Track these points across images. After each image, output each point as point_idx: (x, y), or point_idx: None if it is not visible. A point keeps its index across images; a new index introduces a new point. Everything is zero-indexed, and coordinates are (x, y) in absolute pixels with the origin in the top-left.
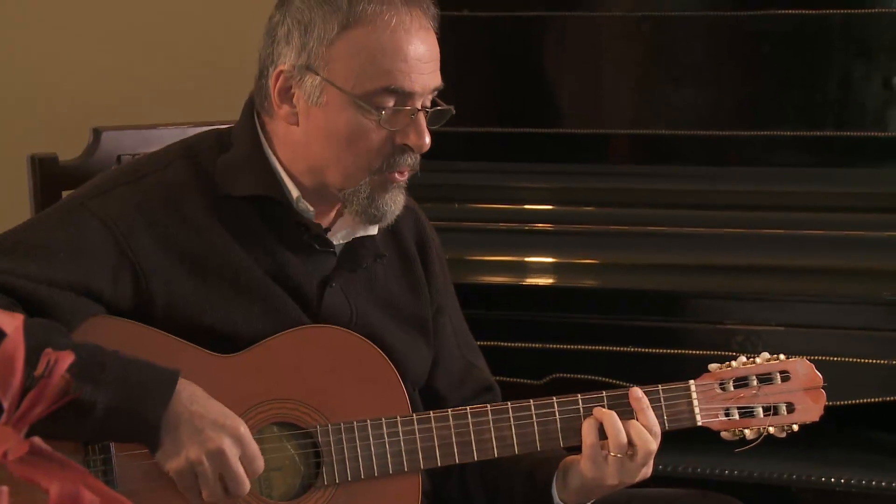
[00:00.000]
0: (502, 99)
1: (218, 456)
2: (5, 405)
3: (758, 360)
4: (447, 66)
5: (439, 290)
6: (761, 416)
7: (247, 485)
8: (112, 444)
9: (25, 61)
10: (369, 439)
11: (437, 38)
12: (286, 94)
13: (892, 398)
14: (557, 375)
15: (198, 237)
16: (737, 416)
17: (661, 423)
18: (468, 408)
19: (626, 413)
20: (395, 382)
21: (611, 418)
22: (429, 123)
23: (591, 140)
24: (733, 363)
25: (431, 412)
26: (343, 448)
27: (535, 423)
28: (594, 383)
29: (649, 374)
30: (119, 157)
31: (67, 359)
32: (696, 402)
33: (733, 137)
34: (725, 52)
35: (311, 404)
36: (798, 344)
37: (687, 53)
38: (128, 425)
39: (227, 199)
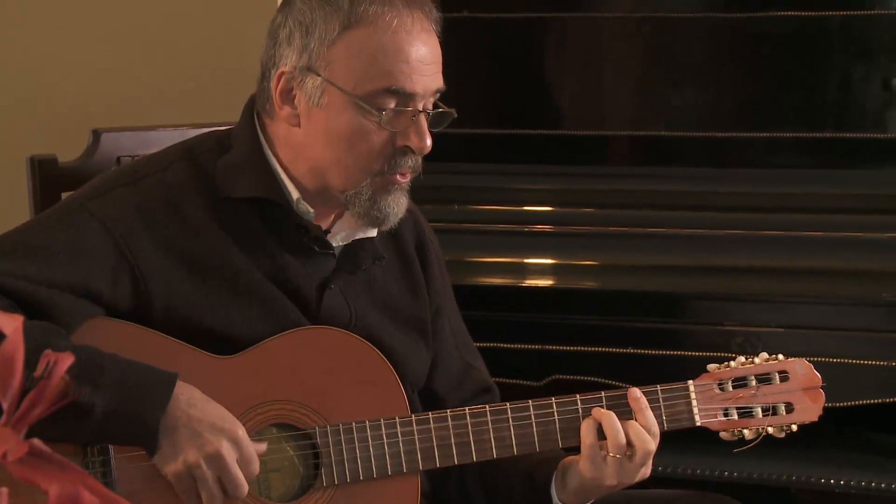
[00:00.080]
0: (502, 100)
1: (216, 459)
2: (5, 406)
3: (756, 360)
4: (447, 67)
5: (438, 292)
6: (760, 416)
7: (245, 487)
8: (111, 446)
9: (25, 62)
10: (368, 440)
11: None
12: (287, 96)
13: (891, 399)
14: (557, 377)
15: (197, 239)
16: (735, 417)
17: (660, 424)
18: (467, 409)
19: (625, 413)
20: (394, 384)
21: (609, 419)
22: (430, 126)
23: (591, 141)
24: (732, 363)
25: (430, 413)
26: (342, 449)
27: (534, 424)
28: (593, 384)
29: (648, 375)
30: (118, 159)
31: (67, 360)
32: (694, 403)
33: (733, 139)
34: (725, 54)
35: (310, 405)
36: (797, 345)
37: (687, 55)
38: (126, 428)
39: (227, 200)
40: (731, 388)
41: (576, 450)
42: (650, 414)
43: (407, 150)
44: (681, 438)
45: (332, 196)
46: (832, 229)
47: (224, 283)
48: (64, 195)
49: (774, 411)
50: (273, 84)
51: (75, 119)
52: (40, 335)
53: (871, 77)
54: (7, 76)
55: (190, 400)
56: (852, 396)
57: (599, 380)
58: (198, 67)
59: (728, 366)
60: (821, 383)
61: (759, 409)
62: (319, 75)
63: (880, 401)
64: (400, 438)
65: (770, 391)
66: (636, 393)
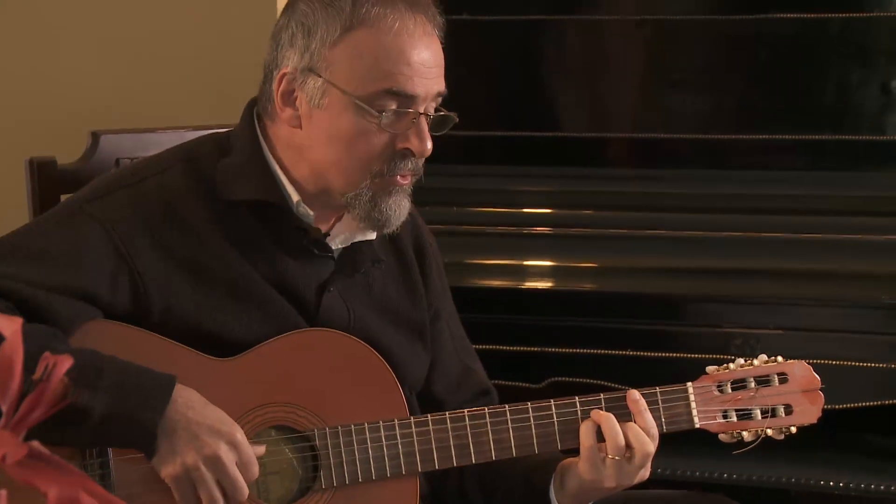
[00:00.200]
0: (501, 102)
1: (214, 462)
2: (4, 409)
3: (755, 362)
4: (446, 69)
5: (437, 295)
6: (759, 418)
7: (245, 490)
8: (110, 449)
9: (24, 64)
10: (367, 443)
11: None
12: (289, 97)
13: (890, 401)
14: (556, 379)
15: (197, 242)
16: (735, 419)
17: (659, 426)
18: (466, 411)
19: (624, 415)
20: (392, 386)
21: (608, 421)
22: (432, 130)
23: (590, 144)
24: (731, 365)
25: (429, 415)
26: (341, 451)
27: (533, 426)
28: (592, 386)
29: (647, 376)
30: (117, 161)
31: (66, 362)
32: (693, 405)
33: (732, 141)
34: (724, 56)
35: (308, 408)
36: (796, 347)
37: (686, 57)
38: (124, 431)
39: (227, 203)
40: (730, 390)
41: (575, 452)
42: (649, 416)
43: (407, 153)
44: (680, 440)
45: (332, 198)
46: (831, 231)
47: (223, 285)
48: (63, 197)
49: (773, 413)
50: (275, 85)
51: (74, 121)
52: (39, 338)
53: (870, 79)
54: (6, 78)
55: (188, 403)
56: (851, 398)
57: (598, 382)
58: (197, 70)
59: (727, 368)
60: (820, 385)
61: (759, 411)
62: (321, 76)
63: (879, 403)
64: (399, 440)
65: (769, 393)
66: (635, 395)
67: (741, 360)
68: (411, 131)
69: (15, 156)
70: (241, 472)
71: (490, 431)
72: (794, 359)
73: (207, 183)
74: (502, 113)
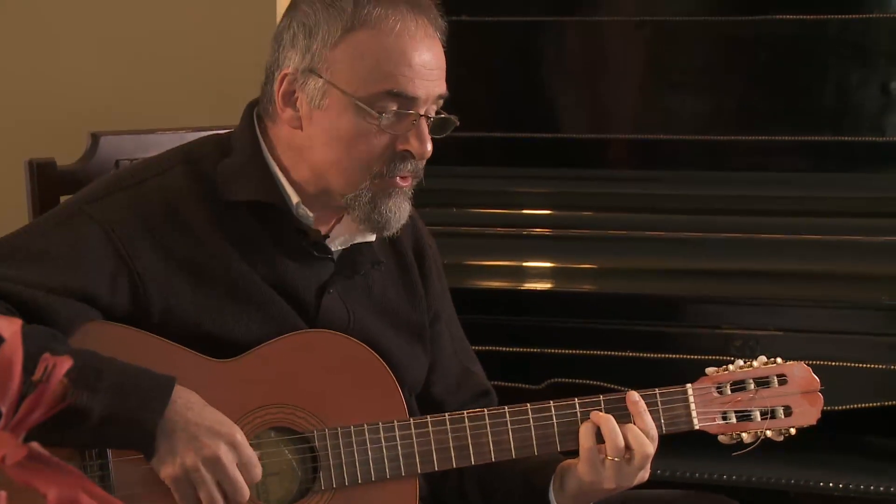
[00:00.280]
0: (501, 103)
1: (214, 463)
2: (3, 410)
3: (755, 363)
4: (446, 70)
5: (436, 297)
6: (759, 419)
7: (246, 491)
8: (109, 449)
9: (24, 65)
10: (367, 444)
11: None
12: (289, 98)
13: (889, 403)
14: (555, 380)
15: (196, 243)
16: (734, 420)
17: (659, 427)
18: (465, 412)
19: (624, 417)
20: (392, 387)
21: (608, 422)
22: (432, 132)
23: (590, 145)
24: (730, 367)
25: (428, 417)
26: (340, 453)
27: (533, 428)
28: (592, 388)
29: (647, 378)
30: (117, 162)
31: (65, 364)
32: (693, 406)
33: (732, 142)
34: (724, 57)
35: (308, 409)
36: (796, 348)
37: (686, 58)
38: (124, 432)
39: (227, 204)
40: (729, 392)
41: (574, 453)
42: (649, 417)
43: (406, 155)
44: (679, 441)
45: (332, 199)
46: (830, 233)
47: (223, 286)
48: (62, 199)
49: (773, 415)
50: (275, 86)
51: (74, 122)
52: (39, 339)
53: (869, 81)
54: (6, 79)
55: (188, 404)
56: (851, 400)
57: (598, 383)
58: (196, 71)
59: (726, 369)
60: (819, 387)
61: (758, 413)
62: (321, 77)
63: (878, 404)
64: (398, 442)
65: (768, 395)
66: (635, 396)
67: (740, 362)
68: (411, 133)
69: (14, 157)
70: (243, 473)
71: (489, 433)
72: (793, 360)
73: (207, 184)
74: (502, 114)
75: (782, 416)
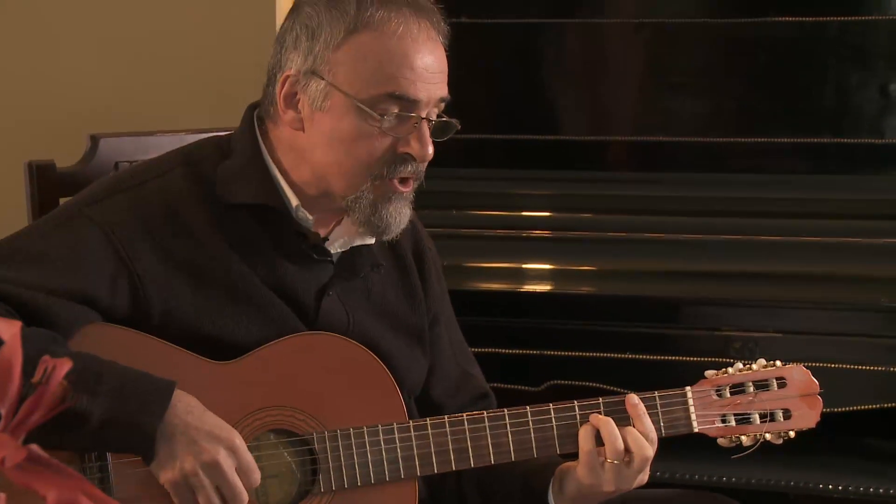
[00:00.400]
0: (500, 105)
1: (213, 468)
2: (3, 412)
3: (754, 366)
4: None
5: (435, 300)
6: (758, 422)
7: (245, 497)
8: (109, 453)
9: (23, 67)
10: (366, 446)
11: None
12: (291, 100)
13: (888, 405)
14: (555, 382)
15: (196, 245)
16: (733, 423)
17: (658, 430)
18: (465, 415)
19: (623, 420)
20: (391, 390)
21: (607, 425)
22: (434, 136)
23: (590, 147)
24: (730, 370)
25: (428, 419)
26: (340, 455)
27: (532, 430)
28: (591, 390)
29: (646, 380)
30: (117, 164)
31: (65, 366)
32: (692, 409)
33: (731, 144)
34: (723, 59)
35: (307, 411)
36: (795, 350)
37: (685, 60)
38: (123, 436)
39: (227, 206)
40: (728, 395)
41: (573, 456)
42: (648, 420)
43: (407, 157)
44: (679, 444)
45: (333, 201)
46: (830, 234)
47: (223, 288)
48: (62, 200)
49: (772, 418)
50: (277, 88)
51: (73, 124)
52: (38, 341)
53: (869, 82)
54: (5, 81)
55: (188, 408)
56: (850, 402)
57: (597, 385)
58: (196, 73)
59: (726, 372)
60: (818, 390)
61: (757, 416)
62: (323, 79)
63: (878, 406)
64: (398, 444)
65: (768, 397)
66: (634, 399)
67: (740, 365)
68: (413, 136)
69: (14, 159)
70: (241, 478)
71: (489, 435)
72: (793, 362)
73: (207, 186)
74: (502, 116)
75: (781, 420)
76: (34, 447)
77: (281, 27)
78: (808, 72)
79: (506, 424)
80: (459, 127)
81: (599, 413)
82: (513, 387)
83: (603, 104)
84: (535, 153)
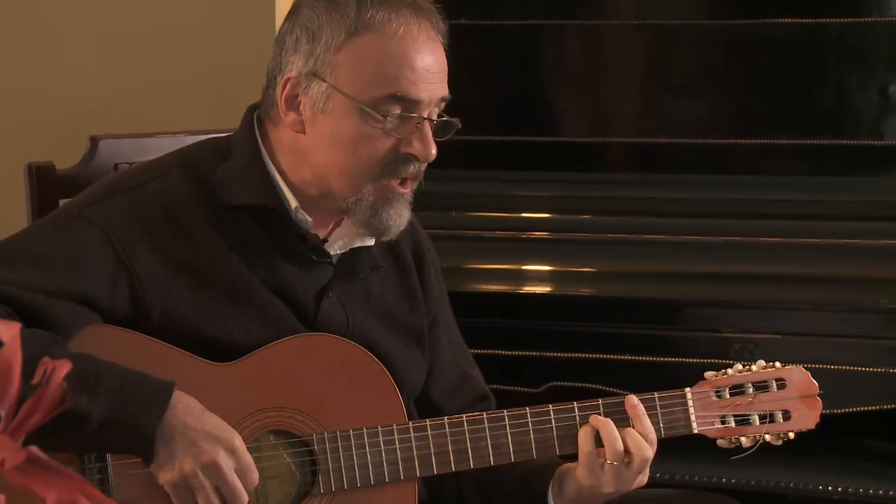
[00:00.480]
0: (500, 107)
1: (212, 469)
2: (2, 414)
3: (754, 367)
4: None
5: (435, 301)
6: (757, 423)
7: (245, 497)
8: (108, 454)
9: (23, 69)
10: (366, 447)
11: None
12: (293, 102)
13: (888, 406)
14: (554, 383)
15: (196, 247)
16: (733, 424)
17: (658, 431)
18: (464, 416)
19: (623, 421)
20: (391, 391)
21: (607, 426)
22: (435, 135)
23: (589, 148)
24: (729, 371)
25: (427, 421)
26: (339, 456)
27: (532, 431)
28: (591, 391)
29: (646, 381)
30: (116, 166)
31: (65, 367)
32: (692, 410)
33: (731, 146)
34: (723, 61)
35: (307, 412)
36: (795, 352)
37: (685, 62)
38: (122, 437)
39: (226, 208)
40: (728, 396)
41: (573, 457)
42: (648, 421)
43: (410, 158)
44: (678, 445)
45: (334, 203)
46: (829, 236)
47: (222, 290)
48: (62, 202)
49: (772, 419)
50: (278, 90)
51: (73, 126)
52: (38, 343)
53: (869, 84)
54: (5, 83)
55: (187, 409)
56: (850, 403)
57: (597, 386)
58: (195, 74)
59: (725, 373)
60: (818, 391)
61: (757, 417)
62: (325, 81)
63: (877, 407)
64: (397, 446)
65: (767, 399)
66: (634, 400)
67: (739, 366)
68: (415, 136)
69: (13, 160)
70: (240, 478)
71: (489, 437)
72: (792, 363)
73: (207, 187)
74: (501, 117)
75: (781, 421)
76: (34, 449)
77: (280, 29)
78: (808, 73)
79: (505, 426)
80: (460, 126)
81: (599, 414)
82: (512, 388)
83: (603, 106)
84: (534, 155)
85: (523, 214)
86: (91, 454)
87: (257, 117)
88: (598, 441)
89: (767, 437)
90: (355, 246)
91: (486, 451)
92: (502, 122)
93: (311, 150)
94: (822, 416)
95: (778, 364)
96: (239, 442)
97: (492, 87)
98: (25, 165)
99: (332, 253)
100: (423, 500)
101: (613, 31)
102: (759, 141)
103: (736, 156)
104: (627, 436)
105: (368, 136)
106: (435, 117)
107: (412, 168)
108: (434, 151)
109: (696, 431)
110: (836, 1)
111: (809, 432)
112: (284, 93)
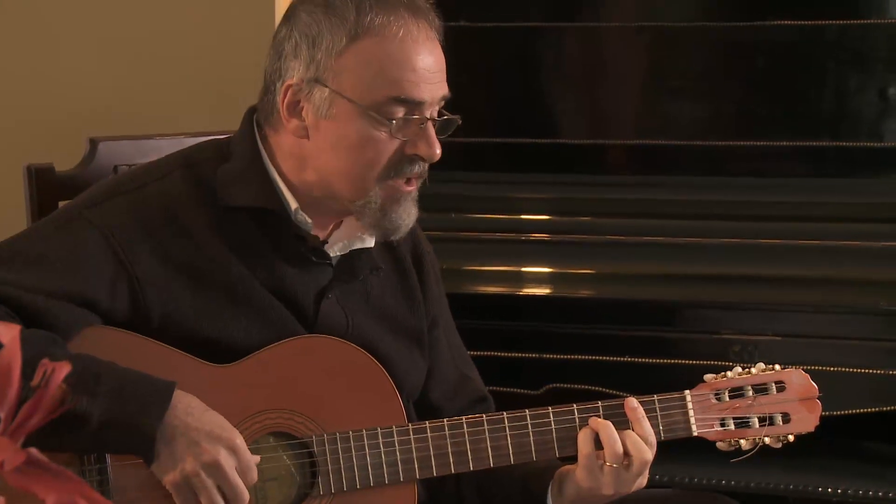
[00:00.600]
0: (499, 109)
1: (214, 468)
2: (2, 415)
3: (753, 370)
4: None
5: (434, 303)
6: (757, 426)
7: (246, 496)
8: (108, 454)
9: (22, 70)
10: (365, 449)
11: None
12: (295, 108)
13: (887, 408)
14: (554, 385)
15: (196, 248)
16: (732, 427)
17: (657, 434)
18: (464, 418)
19: (622, 423)
20: (391, 393)
21: (607, 428)
22: (437, 133)
23: (589, 150)
24: (729, 373)
25: (427, 422)
26: (339, 458)
27: (531, 433)
28: (590, 393)
29: (645, 384)
30: (115, 168)
31: (64, 369)
32: (691, 413)
33: (730, 148)
34: (722, 63)
35: (307, 414)
36: (794, 354)
37: (684, 64)
38: (123, 437)
39: (226, 209)
40: (727, 399)
41: (573, 459)
42: (647, 424)
43: (415, 158)
44: (678, 447)
45: (338, 205)
46: (829, 238)
47: (222, 291)
48: (61, 204)
49: (771, 421)
50: (279, 97)
51: (72, 127)
52: (38, 344)
53: (868, 86)
54: (4, 84)
55: (188, 408)
56: (849, 405)
57: (596, 388)
58: (195, 76)
59: (725, 376)
60: (817, 393)
61: (756, 420)
62: (327, 87)
63: (877, 409)
64: (397, 447)
65: (767, 401)
66: (633, 403)
67: (739, 369)
68: (419, 137)
69: (13, 162)
70: (241, 477)
71: (488, 439)
72: (792, 365)
73: (207, 189)
74: (501, 119)
75: (780, 423)
76: (33, 450)
77: (277, 34)
78: (807, 75)
79: (505, 428)
80: (460, 122)
81: (598, 416)
82: (512, 390)
83: (602, 108)
84: (534, 156)
85: (523, 216)
86: (90, 455)
87: (256, 120)
88: (598, 443)
89: (767, 439)
90: (355, 247)
91: (485, 453)
92: (502, 124)
93: (315, 156)
94: (821, 417)
95: (777, 366)
96: (240, 441)
97: (491, 90)
98: (25, 167)
99: (331, 254)
100: (423, 501)
101: (613, 34)
102: (758, 143)
103: (735, 158)
104: (627, 438)
105: (374, 139)
106: (436, 116)
107: (417, 168)
108: (439, 151)
109: (695, 434)
110: (835, 3)
111: (809, 434)
112: (286, 99)
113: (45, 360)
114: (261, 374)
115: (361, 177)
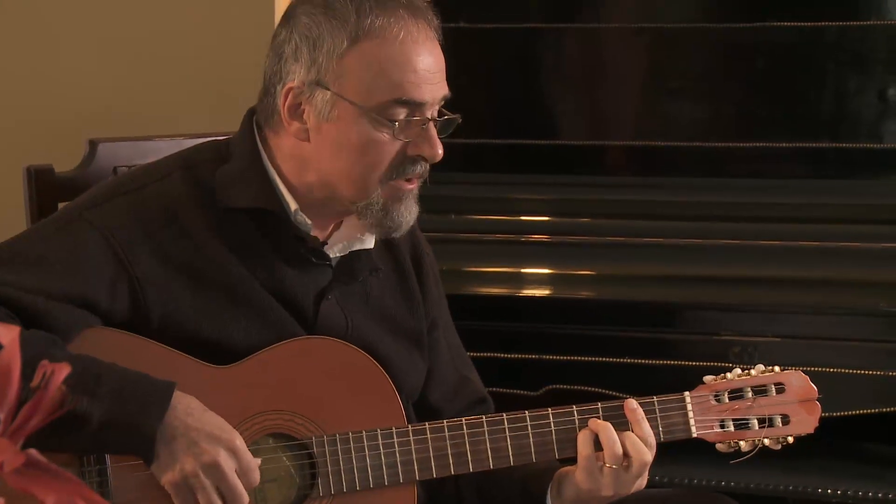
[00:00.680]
0: (499, 110)
1: (213, 469)
2: (1, 417)
3: (753, 371)
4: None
5: (434, 304)
6: (756, 427)
7: (245, 498)
8: (108, 455)
9: (22, 72)
10: (365, 450)
11: None
12: (296, 111)
13: (887, 409)
14: (553, 386)
15: (196, 249)
16: (732, 428)
17: (657, 435)
18: (464, 419)
19: (622, 424)
20: (390, 394)
21: (606, 430)
22: (438, 133)
23: (589, 151)
24: (728, 375)
25: (427, 424)
26: (339, 459)
27: (531, 435)
28: (590, 394)
29: (645, 385)
30: (115, 169)
31: (64, 370)
32: (691, 414)
33: (730, 149)
34: (722, 64)
35: (306, 415)
36: (794, 355)
37: (684, 65)
38: (123, 438)
39: (226, 210)
40: (727, 400)
41: (572, 460)
42: (647, 425)
43: (417, 159)
44: (677, 448)
45: (339, 206)
46: (828, 239)
47: (222, 293)
48: (60, 205)
49: (771, 423)
50: (280, 100)
51: (72, 129)
52: (37, 345)
53: (867, 87)
54: (4, 85)
55: (188, 409)
56: (849, 406)
57: (596, 390)
58: (194, 77)
59: (724, 377)
60: (817, 395)
61: (756, 421)
62: (329, 89)
63: (876, 410)
64: (397, 449)
65: (766, 403)
66: (633, 404)
67: (738, 370)
68: (422, 137)
69: (12, 163)
70: (241, 479)
71: (488, 440)
72: (792, 366)
73: (206, 190)
74: (500, 120)
75: (780, 425)
76: (33, 452)
77: (276, 36)
78: (807, 76)
79: (504, 429)
80: (460, 120)
81: (598, 418)
82: (511, 391)
83: (602, 109)
84: (533, 158)
85: (522, 217)
86: (90, 456)
87: (256, 122)
88: (598, 445)
89: (766, 441)
90: (354, 248)
91: (485, 455)
92: (501, 126)
93: (317, 158)
94: (821, 419)
95: (777, 368)
96: (240, 442)
97: (491, 91)
98: (24, 168)
99: (331, 255)
100: (423, 503)
101: (612, 35)
102: (758, 144)
103: (735, 159)
104: (626, 439)
105: (376, 141)
106: (437, 115)
107: (419, 168)
108: (441, 151)
109: (695, 435)
110: (834, 4)
111: (808, 436)
112: (287, 102)
113: (45, 362)
114: (260, 375)
115: (364, 178)
